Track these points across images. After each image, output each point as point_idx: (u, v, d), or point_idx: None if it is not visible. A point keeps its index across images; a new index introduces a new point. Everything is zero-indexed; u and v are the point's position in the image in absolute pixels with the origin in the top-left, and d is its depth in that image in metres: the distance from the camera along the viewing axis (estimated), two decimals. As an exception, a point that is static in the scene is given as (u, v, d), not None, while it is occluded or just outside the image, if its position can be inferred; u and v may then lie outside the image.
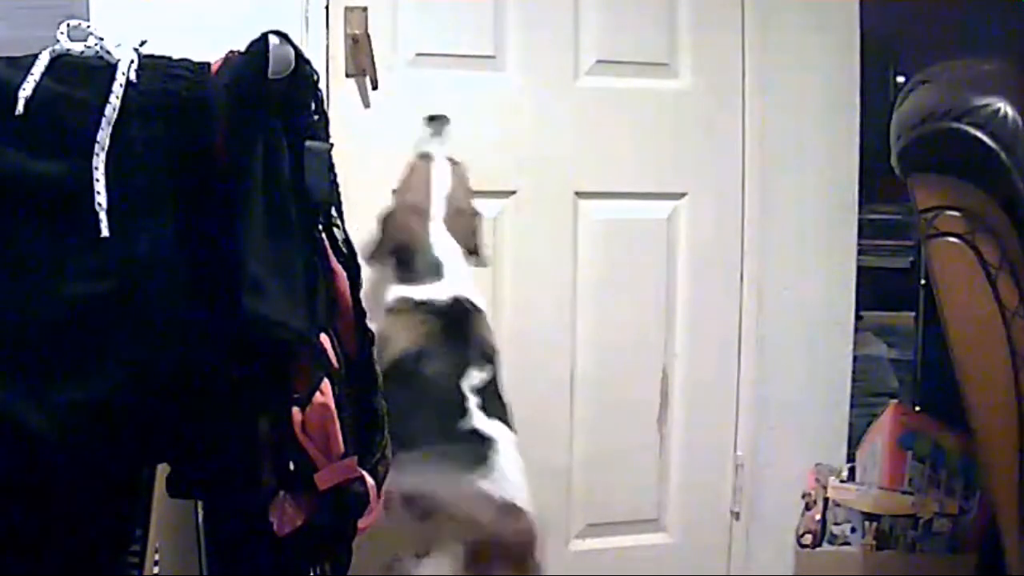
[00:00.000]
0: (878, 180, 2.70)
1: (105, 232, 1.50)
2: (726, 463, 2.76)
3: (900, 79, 2.60)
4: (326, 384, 1.58)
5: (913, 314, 2.82)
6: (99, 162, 1.50)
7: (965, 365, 2.15)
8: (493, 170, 2.57)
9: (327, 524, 1.62)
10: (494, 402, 2.06)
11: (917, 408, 2.76)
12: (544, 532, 1.95)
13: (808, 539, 2.66)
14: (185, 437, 1.60)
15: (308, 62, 1.61)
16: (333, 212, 1.69)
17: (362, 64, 2.43)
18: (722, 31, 2.69)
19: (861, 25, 2.73)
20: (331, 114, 2.01)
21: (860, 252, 2.79)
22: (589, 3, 2.61)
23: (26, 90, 1.50)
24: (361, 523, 1.66)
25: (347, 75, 2.44)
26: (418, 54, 2.51)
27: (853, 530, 2.61)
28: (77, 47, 1.57)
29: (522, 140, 2.58)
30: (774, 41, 2.70)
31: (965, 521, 2.55)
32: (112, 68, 1.54)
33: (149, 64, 1.57)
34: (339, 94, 2.43)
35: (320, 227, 1.66)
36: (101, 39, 1.58)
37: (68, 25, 1.59)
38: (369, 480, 1.65)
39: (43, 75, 1.53)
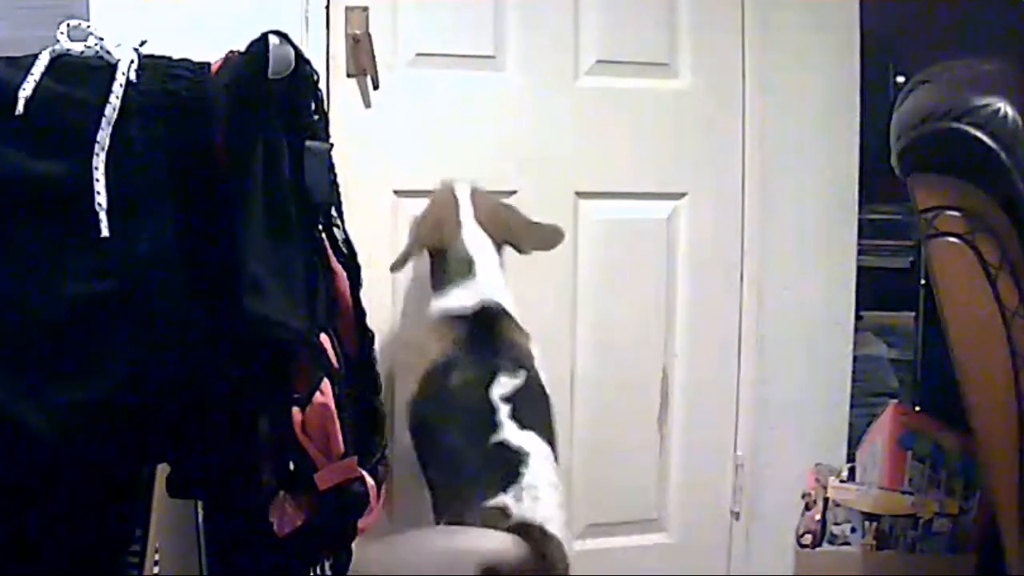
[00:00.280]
0: (878, 180, 2.70)
1: (105, 232, 1.50)
2: (726, 463, 2.76)
3: (900, 79, 2.59)
4: (326, 384, 1.58)
5: (913, 314, 2.82)
6: (99, 162, 1.50)
7: (965, 365, 2.15)
8: (493, 170, 2.57)
9: (327, 524, 1.62)
10: (529, 409, 1.96)
11: (917, 408, 2.76)
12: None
13: (808, 539, 2.66)
14: (185, 437, 1.60)
15: (308, 62, 1.62)
16: (333, 212, 1.69)
17: (363, 64, 2.43)
18: (722, 31, 2.68)
19: (861, 25, 2.73)
20: (331, 114, 2.03)
21: (860, 252, 2.79)
22: (589, 3, 2.61)
23: (26, 90, 1.51)
24: (361, 523, 1.66)
25: (348, 75, 2.44)
26: (418, 54, 2.50)
27: (853, 530, 2.61)
28: (77, 47, 1.58)
29: (522, 140, 2.58)
30: (774, 41, 2.70)
31: (965, 521, 2.54)
32: (112, 68, 1.55)
33: (149, 64, 1.57)
34: (339, 94, 2.42)
35: (320, 227, 1.66)
36: (101, 39, 1.58)
37: (68, 25, 1.60)
38: (369, 480, 1.65)
39: (43, 75, 1.53)
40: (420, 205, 2.52)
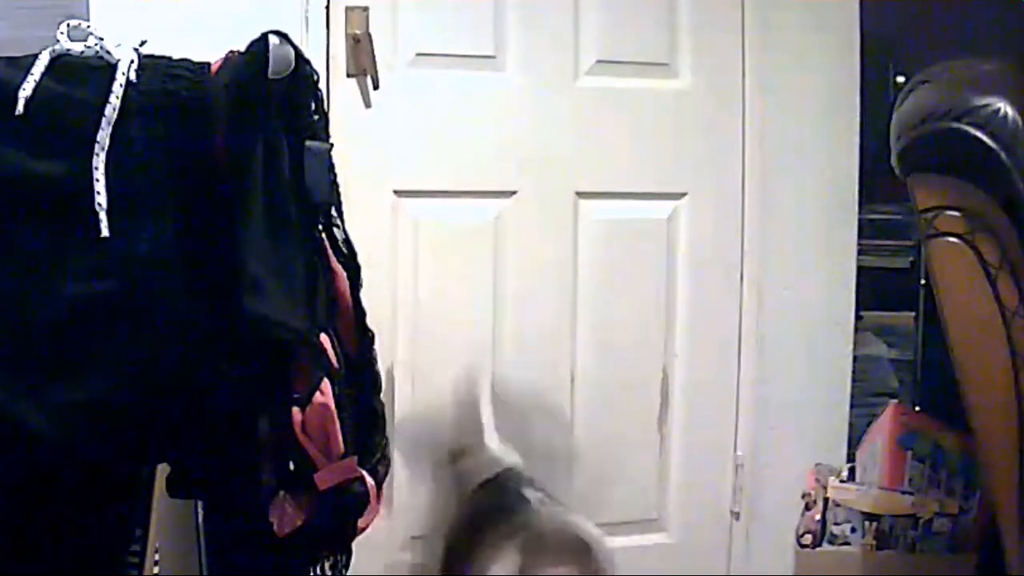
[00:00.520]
0: (878, 180, 2.70)
1: (105, 232, 1.50)
2: (726, 463, 2.76)
3: (900, 79, 2.59)
4: (326, 384, 1.58)
5: (913, 314, 2.82)
6: (99, 162, 1.50)
7: (965, 365, 2.15)
8: (493, 170, 2.57)
9: (327, 524, 1.62)
10: None
11: (917, 408, 2.76)
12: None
13: (808, 539, 2.66)
14: (185, 437, 1.60)
15: (308, 62, 1.62)
16: (333, 212, 1.69)
17: (363, 64, 2.43)
18: (722, 31, 2.68)
19: (861, 25, 2.72)
20: (331, 114, 2.03)
21: (860, 252, 2.79)
22: (589, 3, 2.60)
23: (26, 90, 1.51)
24: (361, 523, 1.66)
25: (348, 75, 2.44)
26: (418, 54, 2.50)
27: (853, 530, 2.61)
28: (77, 47, 1.58)
29: (522, 140, 2.58)
30: (774, 41, 2.70)
31: (965, 521, 2.54)
32: (112, 68, 1.55)
33: (149, 64, 1.57)
34: (339, 94, 2.42)
35: (320, 227, 1.66)
36: (101, 39, 1.58)
37: (68, 25, 1.60)
38: (369, 480, 1.65)
39: (43, 75, 1.53)
40: (420, 205, 2.53)
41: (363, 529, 1.68)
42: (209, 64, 1.59)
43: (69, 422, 1.51)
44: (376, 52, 2.43)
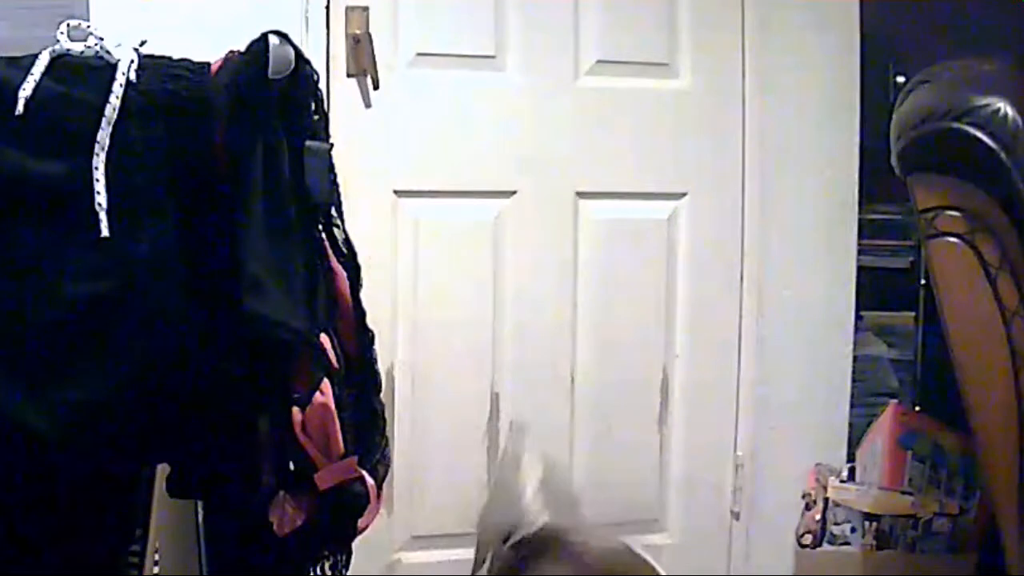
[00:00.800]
0: (878, 180, 2.70)
1: (105, 232, 1.50)
2: (726, 463, 2.76)
3: (900, 79, 2.59)
4: (326, 384, 1.58)
5: (913, 314, 2.82)
6: (99, 162, 1.50)
7: (965, 365, 2.15)
8: (493, 170, 2.57)
9: (327, 524, 1.62)
10: None
11: (917, 408, 2.76)
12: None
13: (808, 539, 2.66)
14: (185, 437, 1.60)
15: (308, 62, 1.62)
16: (333, 212, 1.69)
17: (363, 64, 2.43)
18: (722, 31, 2.69)
19: (861, 25, 2.72)
20: (331, 114, 2.03)
21: (860, 252, 2.79)
22: (589, 3, 2.61)
23: (26, 90, 1.51)
24: (361, 523, 1.66)
25: (348, 75, 2.44)
26: (418, 54, 2.51)
27: (853, 530, 2.61)
28: (77, 47, 1.57)
29: (522, 140, 2.58)
30: (774, 41, 2.70)
31: (965, 521, 2.54)
32: (112, 68, 1.54)
33: (149, 64, 1.57)
34: (339, 94, 2.43)
35: (320, 227, 1.66)
36: (101, 39, 1.58)
37: (68, 25, 1.60)
38: (369, 480, 1.65)
39: (43, 75, 1.53)
40: (420, 205, 2.54)
41: (363, 529, 1.68)
42: (209, 64, 1.59)
43: (69, 422, 1.51)
44: (376, 52, 2.43)
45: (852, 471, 2.70)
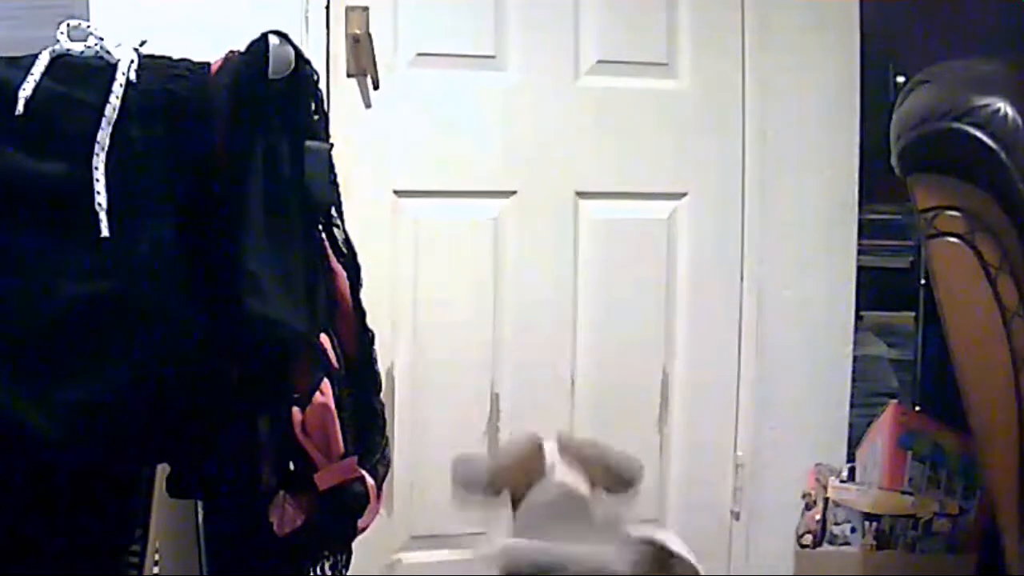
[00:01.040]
0: (878, 180, 2.70)
1: (105, 232, 1.50)
2: (726, 463, 2.76)
3: (900, 79, 2.59)
4: (326, 384, 1.58)
5: (913, 314, 2.81)
6: (99, 162, 1.50)
7: (965, 365, 2.15)
8: (493, 170, 2.57)
9: (327, 524, 1.62)
10: None
11: (917, 408, 2.76)
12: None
13: (808, 539, 2.66)
14: (185, 437, 1.60)
15: (308, 62, 1.62)
16: (333, 212, 1.69)
17: (363, 64, 2.43)
18: (722, 31, 2.68)
19: (861, 25, 2.72)
20: (331, 114, 2.03)
21: (860, 252, 2.79)
22: (589, 3, 2.61)
23: (26, 90, 1.51)
24: (361, 523, 1.66)
25: (348, 75, 2.44)
26: (419, 54, 2.51)
27: (853, 530, 2.61)
28: (77, 47, 1.58)
29: (522, 140, 2.58)
30: (774, 41, 2.70)
31: (965, 521, 2.54)
32: (112, 68, 1.55)
33: (149, 64, 1.58)
34: (339, 94, 2.43)
35: (320, 227, 1.66)
36: (101, 39, 1.58)
37: (68, 25, 1.60)
38: (369, 480, 1.65)
39: (43, 75, 1.53)
40: (420, 205, 2.53)
41: (363, 529, 1.68)
42: (209, 64, 1.59)
43: (69, 422, 1.51)
44: (376, 52, 2.43)
45: (852, 471, 2.70)
